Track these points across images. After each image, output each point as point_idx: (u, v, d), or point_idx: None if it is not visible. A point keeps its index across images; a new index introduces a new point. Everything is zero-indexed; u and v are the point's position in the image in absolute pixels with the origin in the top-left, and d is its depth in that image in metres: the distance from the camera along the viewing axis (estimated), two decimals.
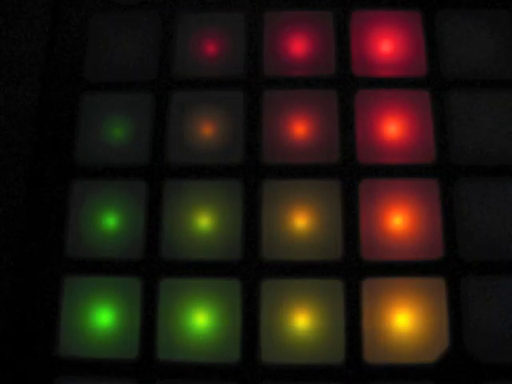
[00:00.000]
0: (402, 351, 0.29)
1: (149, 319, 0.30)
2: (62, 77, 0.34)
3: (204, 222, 0.31)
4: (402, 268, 0.30)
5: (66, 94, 0.33)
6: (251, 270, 0.30)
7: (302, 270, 0.30)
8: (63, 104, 0.33)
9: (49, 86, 0.33)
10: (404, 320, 0.29)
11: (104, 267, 0.30)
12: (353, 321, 0.29)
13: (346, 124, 0.32)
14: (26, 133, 0.32)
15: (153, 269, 0.30)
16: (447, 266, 0.30)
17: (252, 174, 0.31)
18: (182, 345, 0.29)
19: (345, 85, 0.33)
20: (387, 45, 0.33)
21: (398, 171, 0.31)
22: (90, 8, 0.35)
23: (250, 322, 0.29)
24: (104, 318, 0.30)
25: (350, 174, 0.31)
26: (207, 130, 0.32)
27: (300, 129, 0.32)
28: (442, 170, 0.31)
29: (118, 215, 0.31)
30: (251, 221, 0.31)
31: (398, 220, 0.30)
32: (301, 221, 0.31)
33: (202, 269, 0.30)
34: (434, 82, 0.33)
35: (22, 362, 0.29)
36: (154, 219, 0.31)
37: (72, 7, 0.35)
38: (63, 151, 0.32)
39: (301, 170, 0.31)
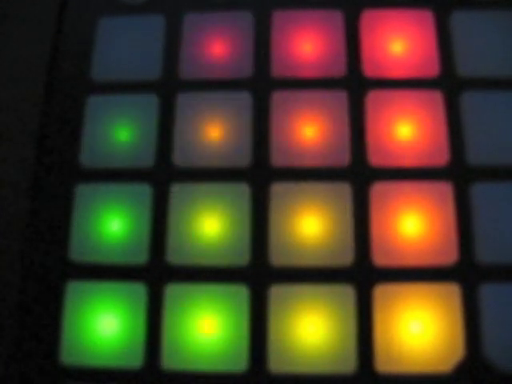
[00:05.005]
0: (415, 360, 0.28)
1: (154, 326, 0.29)
2: (67, 78, 0.33)
3: (211, 226, 0.30)
4: (416, 274, 0.29)
5: (72, 96, 0.33)
6: (259, 276, 0.29)
7: (312, 275, 0.29)
8: (68, 105, 0.33)
9: (54, 87, 0.33)
10: (418, 328, 0.28)
11: (108, 272, 0.30)
12: (364, 328, 0.28)
13: (357, 126, 0.31)
14: (30, 135, 0.32)
15: (158, 274, 0.30)
16: (462, 272, 0.29)
17: (260, 177, 0.31)
18: (187, 353, 0.29)
19: (355, 86, 0.32)
20: (399, 45, 0.33)
21: (410, 174, 0.30)
22: (96, 9, 0.35)
23: (258, 329, 0.29)
24: (108, 324, 0.29)
25: (361, 177, 0.31)
26: (214, 132, 0.32)
27: (309, 131, 0.31)
28: (456, 173, 0.30)
29: (123, 219, 0.31)
30: (259, 225, 0.30)
31: (411, 224, 0.30)
32: (310, 225, 0.30)
33: (209, 274, 0.29)
34: (447, 83, 0.32)
35: (24, 367, 0.29)
36: (159, 223, 0.30)
37: (78, 8, 0.35)
38: (68, 154, 0.32)
39: (310, 173, 0.31)
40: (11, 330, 0.29)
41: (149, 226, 0.30)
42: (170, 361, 0.29)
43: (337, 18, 0.33)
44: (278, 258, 0.30)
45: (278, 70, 0.33)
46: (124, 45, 0.34)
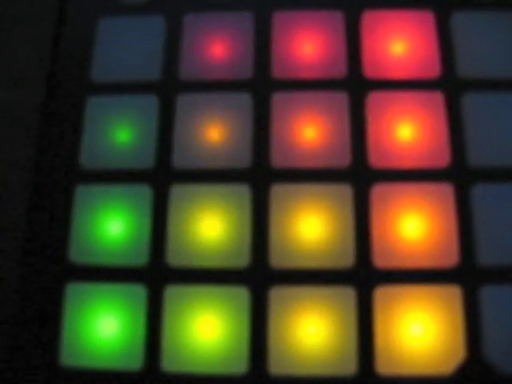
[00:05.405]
0: (416, 362, 0.28)
1: (154, 328, 0.29)
2: (67, 78, 0.33)
3: (211, 227, 0.30)
4: (416, 276, 0.29)
5: (72, 96, 0.33)
6: (259, 278, 0.29)
7: (312, 277, 0.29)
8: (68, 106, 0.33)
9: (54, 87, 0.33)
10: (418, 329, 0.28)
11: (108, 274, 0.30)
12: (365, 330, 0.28)
13: (358, 127, 0.31)
14: (30, 135, 0.32)
15: (158, 276, 0.30)
16: (463, 274, 0.29)
17: (260, 178, 0.31)
18: (187, 355, 0.28)
19: (356, 87, 0.32)
20: (399, 45, 0.33)
21: (411, 175, 0.30)
22: (96, 9, 0.35)
23: (258, 330, 0.29)
24: (107, 326, 0.29)
25: (361, 178, 0.30)
26: (214, 133, 0.32)
27: (310, 132, 0.31)
28: (457, 174, 0.30)
29: (123, 220, 0.30)
30: (259, 226, 0.30)
31: (412, 226, 0.30)
32: (311, 227, 0.30)
33: (209, 276, 0.29)
34: (448, 84, 0.32)
35: (24, 369, 0.28)
36: (159, 225, 0.30)
37: (78, 8, 0.35)
38: (68, 154, 0.32)
39: (311, 175, 0.31)
40: (11, 332, 0.29)
41: (149, 228, 0.30)
42: (169, 363, 0.28)
43: (337, 18, 0.33)
44: (278, 259, 0.30)
45: (278, 71, 0.33)
46: (124, 45, 0.33)
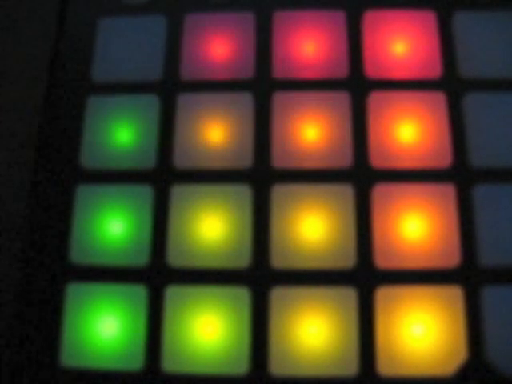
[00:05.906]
0: (417, 363, 0.28)
1: (154, 328, 0.29)
2: (68, 78, 0.33)
3: (212, 228, 0.30)
4: (418, 276, 0.29)
5: (72, 96, 0.33)
6: (260, 278, 0.29)
7: (314, 277, 0.29)
8: (69, 106, 0.33)
9: (55, 87, 0.33)
10: (420, 330, 0.28)
11: (109, 274, 0.30)
12: (366, 331, 0.28)
13: (359, 127, 0.31)
14: (30, 135, 0.32)
15: (159, 276, 0.29)
16: (465, 274, 0.29)
17: (261, 178, 0.31)
18: (188, 356, 0.28)
19: (357, 87, 0.32)
20: (401, 45, 0.33)
21: (412, 176, 0.30)
22: (97, 9, 0.34)
23: (259, 331, 0.28)
24: (108, 326, 0.29)
25: (362, 178, 0.30)
26: (215, 133, 0.32)
27: (311, 132, 0.31)
28: (458, 174, 0.30)
29: (124, 221, 0.30)
30: (260, 227, 0.30)
31: (413, 226, 0.29)
32: (312, 227, 0.30)
33: (210, 276, 0.29)
34: (449, 84, 0.32)
35: (25, 370, 0.28)
36: (160, 225, 0.30)
37: (79, 8, 0.35)
38: (68, 154, 0.32)
39: (312, 175, 0.31)
40: (12, 332, 0.29)
41: (149, 228, 0.30)
42: (170, 363, 0.28)
43: (339, 18, 0.33)
44: (279, 260, 0.29)
45: (279, 70, 0.32)
46: (125, 45, 0.33)
